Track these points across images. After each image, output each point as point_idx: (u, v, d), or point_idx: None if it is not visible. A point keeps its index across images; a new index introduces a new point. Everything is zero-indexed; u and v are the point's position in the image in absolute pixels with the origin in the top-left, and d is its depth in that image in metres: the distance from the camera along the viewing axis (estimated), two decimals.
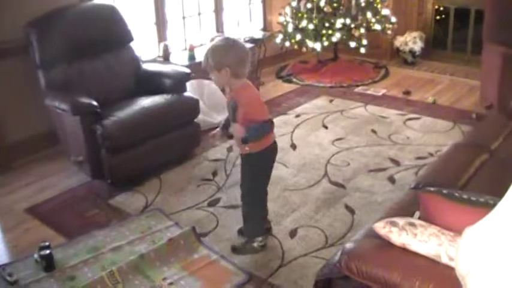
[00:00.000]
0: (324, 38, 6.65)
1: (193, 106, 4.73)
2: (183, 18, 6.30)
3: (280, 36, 6.91)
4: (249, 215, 3.55)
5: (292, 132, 5.34)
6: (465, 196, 2.24)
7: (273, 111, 5.63)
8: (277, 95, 6.41)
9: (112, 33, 4.87)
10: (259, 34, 6.74)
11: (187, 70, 4.89)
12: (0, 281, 3.32)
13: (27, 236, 3.81)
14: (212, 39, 6.11)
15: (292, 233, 3.71)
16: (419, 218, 2.28)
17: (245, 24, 7.09)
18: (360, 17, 6.68)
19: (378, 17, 6.76)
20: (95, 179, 4.40)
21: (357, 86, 6.68)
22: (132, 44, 5.02)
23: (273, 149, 3.44)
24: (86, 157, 4.28)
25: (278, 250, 3.54)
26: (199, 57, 5.82)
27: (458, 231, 2.02)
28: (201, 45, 6.26)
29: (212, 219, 3.92)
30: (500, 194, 1.92)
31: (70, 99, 4.20)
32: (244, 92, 3.25)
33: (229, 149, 4.95)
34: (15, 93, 4.71)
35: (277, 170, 4.17)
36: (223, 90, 5.56)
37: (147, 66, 5.04)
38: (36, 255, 3.42)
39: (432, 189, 2.36)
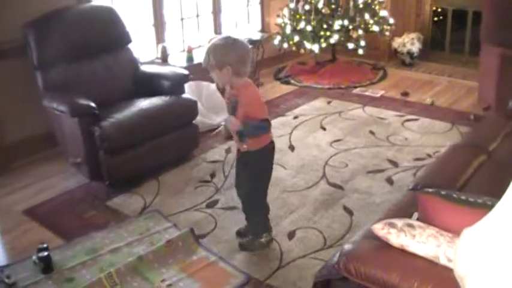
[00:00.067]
0: (322, 40, 6.66)
1: (191, 108, 4.73)
2: (181, 19, 6.30)
3: (278, 37, 6.91)
4: (251, 214, 3.58)
5: (291, 133, 5.34)
6: (463, 197, 2.24)
7: (271, 113, 5.62)
8: (275, 97, 6.41)
9: (110, 34, 4.87)
10: (257, 36, 6.74)
11: (186, 72, 4.89)
12: None
13: (25, 238, 3.81)
14: (210, 41, 6.12)
15: (291, 235, 3.71)
16: (417, 219, 2.28)
17: (243, 25, 7.10)
18: (358, 19, 6.68)
19: (376, 18, 6.76)
20: (93, 180, 4.39)
21: (355, 87, 6.69)
22: (130, 46, 5.02)
23: (271, 148, 3.44)
24: (84, 158, 4.27)
25: (276, 252, 3.54)
26: (198, 58, 5.84)
27: (456, 232, 2.02)
28: (199, 46, 6.26)
29: (210, 221, 3.92)
30: (498, 195, 1.92)
31: (68, 100, 4.20)
32: (245, 90, 3.25)
33: (228, 151, 4.95)
34: (15, 93, 4.71)
35: (276, 172, 4.16)
36: (222, 92, 5.56)
37: (145, 68, 5.04)
38: (34, 257, 3.41)
39: (430, 190, 2.36)
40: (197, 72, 5.32)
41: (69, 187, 4.45)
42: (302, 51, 6.91)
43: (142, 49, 5.73)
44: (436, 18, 7.46)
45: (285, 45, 6.91)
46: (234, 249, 3.59)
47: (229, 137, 3.54)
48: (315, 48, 6.66)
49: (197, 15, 6.49)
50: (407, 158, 4.76)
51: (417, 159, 4.73)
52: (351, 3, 6.68)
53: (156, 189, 4.38)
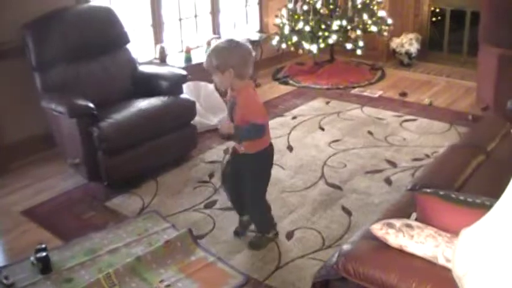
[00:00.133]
0: (321, 40, 6.66)
1: (189, 108, 4.73)
2: (180, 20, 6.30)
3: (277, 38, 6.91)
4: (254, 214, 3.61)
5: (289, 134, 5.34)
6: (462, 197, 2.25)
7: (270, 113, 5.63)
8: (273, 97, 6.41)
9: (108, 35, 4.87)
10: (255, 36, 6.75)
11: (184, 72, 4.89)
12: None
13: (24, 239, 3.80)
14: (209, 41, 6.14)
15: (289, 235, 3.71)
16: (416, 220, 2.29)
17: (241, 26, 7.10)
18: (356, 19, 6.68)
19: (374, 18, 6.77)
20: (92, 181, 4.39)
21: (354, 87, 6.69)
22: (128, 46, 5.02)
23: (270, 150, 3.47)
24: (82, 159, 4.27)
25: (275, 252, 3.54)
26: (196, 59, 5.84)
27: (455, 232, 2.02)
28: (198, 47, 6.27)
29: (209, 221, 3.92)
30: (496, 195, 1.92)
31: (67, 101, 4.19)
32: (244, 93, 3.27)
33: (226, 151, 4.93)
34: (14, 94, 4.70)
35: (274, 172, 4.16)
36: (221, 93, 5.56)
37: (143, 68, 5.03)
38: (32, 258, 3.41)
39: (429, 190, 2.36)
40: (195, 72, 5.33)
41: (68, 188, 4.45)
42: (300, 51, 6.92)
43: (141, 49, 5.73)
44: (434, 19, 7.47)
45: (284, 45, 6.91)
46: (232, 250, 3.59)
47: (226, 138, 3.55)
48: (314, 48, 6.66)
49: (195, 16, 6.49)
50: (406, 158, 4.76)
51: (415, 159, 4.73)
52: (349, 4, 6.68)
53: (155, 189, 4.38)
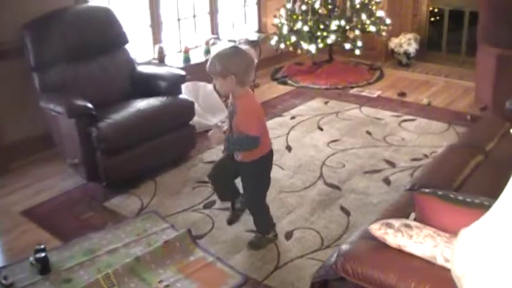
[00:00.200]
0: (319, 40, 6.66)
1: (188, 108, 4.73)
2: (178, 20, 6.29)
3: (275, 38, 6.91)
4: (255, 214, 3.62)
5: (288, 134, 5.35)
6: (460, 197, 2.25)
7: (268, 113, 5.64)
8: (272, 97, 6.41)
9: (107, 35, 4.87)
10: (254, 36, 6.74)
11: (183, 72, 4.89)
12: None
13: (23, 239, 3.80)
14: (207, 42, 6.14)
15: (288, 235, 3.72)
16: (414, 220, 2.29)
17: (240, 26, 7.09)
18: (354, 19, 6.68)
19: (372, 18, 6.77)
20: (91, 181, 4.39)
21: (352, 87, 6.69)
22: (127, 46, 5.02)
23: (269, 156, 3.50)
24: (81, 159, 4.27)
25: (274, 252, 3.55)
26: (195, 59, 5.84)
27: (453, 232, 2.02)
28: (196, 47, 6.26)
29: (208, 222, 3.92)
30: (495, 195, 1.92)
31: (65, 101, 4.19)
32: (244, 101, 3.30)
33: (225, 152, 4.94)
34: (14, 94, 4.70)
35: (273, 172, 4.15)
36: (220, 93, 5.56)
37: (142, 69, 5.04)
38: (31, 258, 3.41)
39: (427, 190, 2.37)
40: (194, 72, 5.34)
41: (67, 188, 4.45)
42: (299, 51, 6.91)
43: (139, 50, 5.73)
44: (432, 19, 7.47)
45: (282, 45, 6.91)
46: (231, 250, 3.59)
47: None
48: (312, 48, 6.66)
49: (194, 16, 6.48)
50: (404, 158, 4.77)
51: (414, 159, 4.73)
52: (348, 4, 6.68)
53: (154, 190, 4.38)
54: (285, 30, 6.79)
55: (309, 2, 6.67)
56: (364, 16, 6.70)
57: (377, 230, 2.21)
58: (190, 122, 4.79)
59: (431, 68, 7.19)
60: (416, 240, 2.09)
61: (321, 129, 5.44)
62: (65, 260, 3.50)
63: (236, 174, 3.63)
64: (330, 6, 6.76)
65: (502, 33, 5.33)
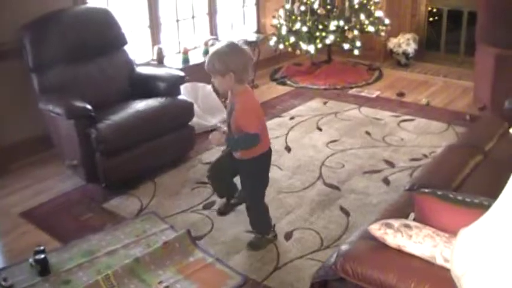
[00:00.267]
0: (318, 40, 6.66)
1: (187, 109, 4.73)
2: (177, 21, 6.30)
3: (274, 38, 6.92)
4: (254, 214, 3.62)
5: (287, 134, 5.35)
6: (460, 197, 2.25)
7: (268, 114, 5.64)
8: (271, 97, 6.41)
9: (106, 36, 4.87)
10: (253, 37, 6.74)
11: (182, 73, 4.89)
12: None
13: (22, 240, 3.80)
14: (206, 42, 6.14)
15: (288, 236, 3.72)
16: (414, 220, 2.29)
17: (239, 26, 7.10)
18: (353, 19, 6.69)
19: (371, 19, 6.77)
20: (90, 182, 4.39)
21: (351, 88, 6.69)
22: (126, 48, 5.02)
23: (268, 154, 3.50)
24: (80, 161, 4.27)
25: (273, 253, 3.55)
26: (193, 60, 5.84)
27: (453, 232, 2.02)
28: (195, 48, 6.27)
29: (207, 222, 3.92)
30: (494, 195, 1.92)
31: (64, 102, 4.19)
32: (243, 98, 3.31)
33: (224, 152, 4.94)
34: (13, 95, 4.70)
35: (272, 173, 4.16)
36: (218, 94, 5.56)
37: (141, 70, 5.03)
38: (31, 260, 3.41)
39: (427, 190, 2.37)
40: (193, 73, 5.34)
41: (66, 189, 4.44)
42: (298, 52, 6.91)
43: (138, 51, 5.73)
44: (431, 19, 7.47)
45: (281, 46, 6.91)
46: (231, 251, 3.59)
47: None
48: (311, 49, 6.66)
49: (193, 17, 6.49)
50: (404, 158, 4.77)
51: (413, 159, 4.74)
52: (347, 4, 6.68)
53: (153, 191, 4.38)
54: (283, 30, 6.79)
55: (308, 2, 6.67)
56: (362, 16, 6.70)
57: (376, 230, 2.21)
58: (190, 123, 4.79)
59: (430, 68, 7.20)
60: (415, 240, 2.10)
61: (320, 129, 5.44)
62: (64, 261, 3.49)
63: (235, 172, 3.64)
64: (328, 7, 6.76)
65: (501, 33, 5.34)
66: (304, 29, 6.62)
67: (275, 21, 6.93)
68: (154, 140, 4.47)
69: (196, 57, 5.97)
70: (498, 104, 4.30)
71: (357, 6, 6.70)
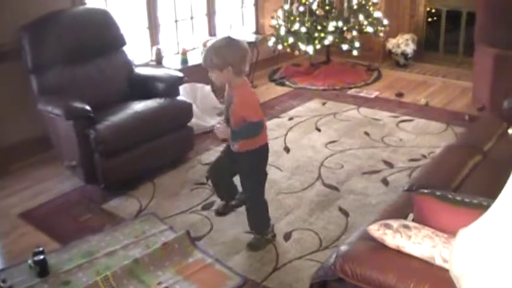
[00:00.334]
0: (317, 41, 6.66)
1: (186, 110, 4.73)
2: (176, 22, 6.29)
3: (273, 39, 6.92)
4: (254, 213, 3.62)
5: (286, 135, 5.35)
6: (459, 198, 2.25)
7: (266, 114, 5.62)
8: (270, 98, 6.41)
9: (104, 37, 4.86)
10: (251, 37, 6.75)
11: (180, 74, 4.89)
12: None
13: (21, 242, 3.79)
14: (205, 43, 6.14)
15: (287, 236, 3.72)
16: (413, 220, 2.29)
17: (237, 27, 7.09)
18: (352, 20, 6.69)
19: (370, 19, 6.77)
20: (89, 183, 4.38)
21: (350, 88, 6.69)
22: (124, 48, 5.01)
23: (266, 148, 3.52)
24: (79, 162, 4.26)
25: (273, 253, 3.54)
26: (192, 60, 5.84)
27: (452, 232, 2.02)
28: (194, 49, 6.27)
29: (206, 223, 3.92)
30: (494, 195, 1.92)
31: (63, 103, 4.19)
32: (241, 90, 3.32)
33: (223, 152, 4.94)
34: (13, 95, 4.69)
35: (271, 173, 4.17)
36: (218, 95, 5.56)
37: (140, 70, 5.03)
38: (30, 261, 3.40)
39: (426, 191, 2.37)
40: (192, 74, 5.34)
41: (65, 190, 4.44)
42: (296, 52, 6.92)
43: (137, 51, 5.73)
44: (430, 19, 7.48)
45: (280, 46, 6.92)
46: (230, 251, 3.59)
47: (223, 140, 3.58)
48: (310, 49, 6.66)
49: (191, 18, 6.49)
50: (403, 158, 4.77)
51: (412, 160, 4.74)
52: (345, 5, 6.69)
53: (152, 191, 4.38)
54: (282, 31, 6.79)
55: (307, 3, 6.67)
56: (361, 17, 6.70)
57: (376, 230, 2.21)
58: (189, 124, 4.79)
59: (428, 69, 7.20)
60: (414, 240, 2.10)
61: (319, 130, 5.44)
62: (63, 262, 3.49)
63: (234, 172, 3.64)
64: (327, 7, 6.77)
65: (499, 34, 5.34)
66: (303, 29, 6.62)
67: (274, 22, 6.93)
68: (153, 141, 4.47)
69: (195, 58, 5.97)
70: (497, 104, 4.30)
71: (355, 7, 6.71)
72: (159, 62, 5.78)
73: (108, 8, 5.27)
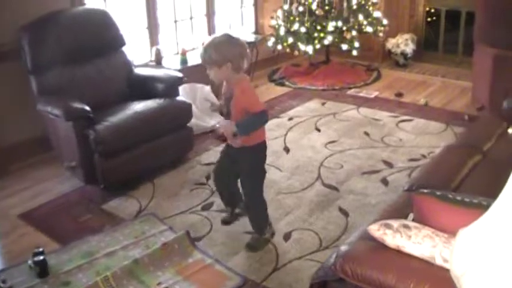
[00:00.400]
0: (316, 41, 6.67)
1: (186, 110, 4.73)
2: (175, 22, 6.29)
3: (272, 39, 6.92)
4: (254, 212, 3.62)
5: (285, 135, 5.35)
6: (458, 197, 2.25)
7: None
8: (269, 98, 6.41)
9: (104, 37, 4.86)
10: (251, 37, 6.75)
11: (180, 74, 4.89)
12: None
13: (21, 242, 3.79)
14: (204, 43, 6.13)
15: (287, 236, 3.71)
16: (413, 220, 2.29)
17: (237, 27, 7.10)
18: (351, 20, 6.69)
19: (369, 19, 6.78)
20: (88, 184, 4.38)
21: (349, 88, 6.70)
22: (124, 49, 5.01)
23: (265, 145, 3.53)
24: (79, 162, 4.26)
25: (272, 253, 3.54)
26: (192, 61, 5.83)
27: (452, 232, 2.03)
28: (193, 49, 6.26)
29: (206, 223, 3.91)
30: (493, 195, 1.93)
31: (63, 104, 4.19)
32: (241, 85, 3.31)
33: (223, 152, 4.94)
34: (13, 96, 4.69)
35: (271, 173, 4.17)
36: (217, 95, 5.56)
37: (139, 71, 5.03)
38: (30, 261, 3.40)
39: (425, 191, 2.37)
40: (191, 74, 5.33)
41: (65, 191, 4.44)
42: (296, 52, 6.92)
43: (136, 52, 5.73)
44: (429, 19, 7.49)
45: (279, 46, 6.92)
46: (230, 252, 3.58)
47: (222, 139, 3.57)
48: (309, 49, 6.67)
49: (191, 18, 6.49)
50: (402, 158, 4.77)
51: (412, 159, 4.74)
52: (345, 5, 6.69)
53: (152, 192, 4.38)
54: (282, 31, 6.80)
55: (306, 3, 6.67)
56: (361, 17, 6.71)
57: (376, 230, 2.21)
58: (188, 124, 4.78)
59: (428, 68, 7.21)
60: (415, 240, 2.10)
61: (319, 130, 5.44)
62: (63, 263, 3.49)
63: (237, 173, 3.62)
64: (326, 7, 6.77)
65: (499, 34, 5.34)
66: (303, 29, 6.62)
67: (273, 22, 6.93)
68: (152, 141, 4.47)
69: (195, 58, 5.96)
70: (496, 104, 4.31)
71: (355, 7, 6.71)
72: (158, 62, 5.78)
73: (108, 8, 5.27)
